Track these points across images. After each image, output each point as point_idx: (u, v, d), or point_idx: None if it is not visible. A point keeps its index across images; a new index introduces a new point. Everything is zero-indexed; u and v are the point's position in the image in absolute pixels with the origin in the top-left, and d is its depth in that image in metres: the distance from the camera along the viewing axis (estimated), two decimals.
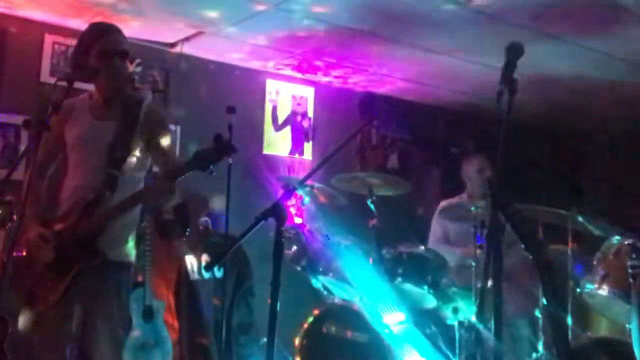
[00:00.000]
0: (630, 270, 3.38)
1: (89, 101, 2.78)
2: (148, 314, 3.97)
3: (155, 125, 2.74)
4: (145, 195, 2.68)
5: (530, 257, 3.68)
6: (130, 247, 2.74)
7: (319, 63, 5.10)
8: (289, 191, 2.32)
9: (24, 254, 2.67)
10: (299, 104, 5.59)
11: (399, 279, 3.78)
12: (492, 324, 1.93)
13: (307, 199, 4.22)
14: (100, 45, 2.66)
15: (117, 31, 2.75)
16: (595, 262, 3.67)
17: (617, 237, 3.62)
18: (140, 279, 3.98)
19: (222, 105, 3.91)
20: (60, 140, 2.75)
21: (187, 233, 4.48)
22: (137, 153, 2.70)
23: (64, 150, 2.76)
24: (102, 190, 2.60)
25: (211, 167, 2.47)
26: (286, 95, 5.51)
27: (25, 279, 2.64)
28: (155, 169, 2.87)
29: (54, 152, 2.77)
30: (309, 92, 5.65)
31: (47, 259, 2.57)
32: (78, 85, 2.65)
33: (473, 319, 3.65)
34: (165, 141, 2.75)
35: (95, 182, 2.63)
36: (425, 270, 3.79)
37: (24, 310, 2.65)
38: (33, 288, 2.62)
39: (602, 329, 4.14)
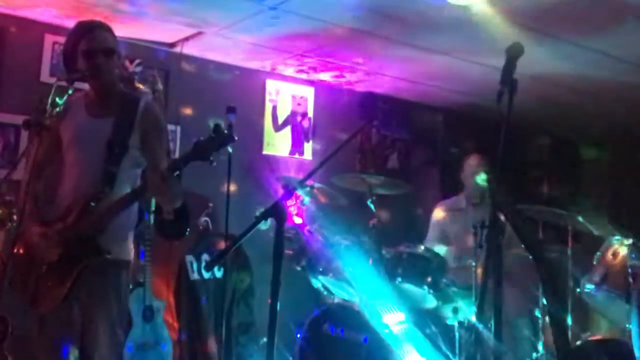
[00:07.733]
0: (630, 270, 3.38)
1: (84, 100, 2.77)
2: (148, 314, 3.97)
3: (151, 125, 2.73)
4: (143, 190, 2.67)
5: (530, 257, 3.70)
6: (130, 244, 2.74)
7: (318, 63, 5.10)
8: (289, 191, 2.33)
9: (22, 252, 2.64)
10: (299, 104, 5.58)
11: (399, 279, 3.79)
12: (492, 324, 1.94)
13: (307, 199, 4.22)
14: (84, 44, 2.64)
15: (101, 28, 2.70)
16: (595, 262, 3.68)
17: (617, 237, 3.62)
18: (140, 279, 3.98)
19: (222, 105, 3.91)
20: (56, 139, 2.73)
21: (187, 233, 4.48)
22: (134, 150, 2.70)
23: (60, 150, 2.75)
24: (101, 187, 2.60)
25: (211, 157, 2.46)
26: (286, 95, 5.51)
27: (27, 280, 2.63)
28: None
29: (52, 152, 2.75)
30: (309, 92, 5.64)
31: (52, 257, 2.56)
32: (78, 85, 2.66)
33: (473, 319, 3.65)
34: (158, 142, 2.74)
35: (93, 180, 2.62)
36: (425, 270, 3.79)
37: (27, 311, 2.64)
38: (35, 288, 2.60)
39: (602, 329, 4.14)
